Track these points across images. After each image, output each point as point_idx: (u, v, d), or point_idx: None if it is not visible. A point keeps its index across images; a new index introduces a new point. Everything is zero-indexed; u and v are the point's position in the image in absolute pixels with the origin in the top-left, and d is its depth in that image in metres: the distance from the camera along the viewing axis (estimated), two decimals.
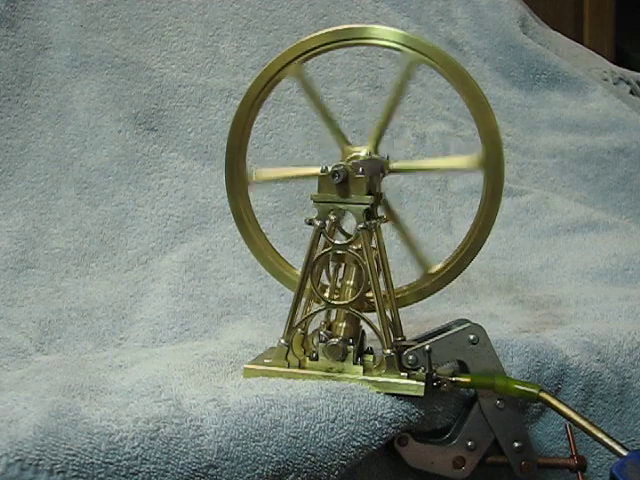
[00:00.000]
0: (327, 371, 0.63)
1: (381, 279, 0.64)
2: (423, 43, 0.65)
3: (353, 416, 0.59)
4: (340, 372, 0.63)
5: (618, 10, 2.09)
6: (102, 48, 1.01)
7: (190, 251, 0.92)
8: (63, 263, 0.88)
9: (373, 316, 0.64)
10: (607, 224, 1.08)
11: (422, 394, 0.61)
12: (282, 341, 0.64)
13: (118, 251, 0.91)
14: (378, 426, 0.59)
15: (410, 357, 0.62)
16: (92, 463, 0.50)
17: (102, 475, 0.50)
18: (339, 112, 1.09)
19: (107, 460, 0.50)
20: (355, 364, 0.63)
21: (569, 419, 0.62)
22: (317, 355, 0.63)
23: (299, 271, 0.65)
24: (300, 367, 0.64)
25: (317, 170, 0.64)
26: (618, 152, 1.21)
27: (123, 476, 0.51)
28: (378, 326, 0.63)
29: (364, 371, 0.62)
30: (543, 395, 0.62)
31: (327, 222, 0.63)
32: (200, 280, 0.89)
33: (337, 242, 0.63)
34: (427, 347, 0.62)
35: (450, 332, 0.63)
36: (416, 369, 0.62)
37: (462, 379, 0.63)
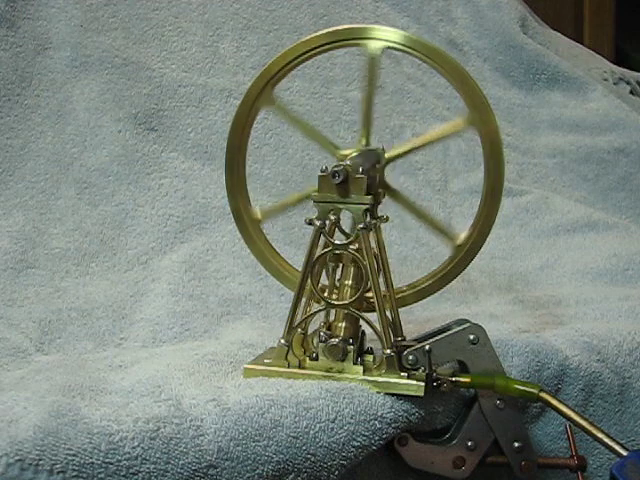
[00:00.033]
0: (327, 371, 0.63)
1: (381, 279, 0.64)
2: (423, 43, 0.65)
3: (353, 416, 0.59)
4: (340, 372, 0.63)
5: (618, 10, 2.09)
6: (102, 48, 1.01)
7: (190, 251, 0.92)
8: (63, 263, 0.88)
9: (373, 316, 0.64)
10: (607, 224, 1.08)
11: (422, 394, 0.61)
12: (282, 341, 0.64)
13: (118, 251, 0.91)
14: (378, 426, 0.59)
15: (410, 357, 0.62)
16: (92, 463, 0.50)
17: (102, 475, 0.50)
18: (339, 112, 1.09)
19: (107, 460, 0.50)
20: (355, 364, 0.63)
21: (569, 419, 0.62)
22: (317, 355, 0.63)
23: (299, 271, 0.65)
24: (300, 367, 0.63)
25: (313, 189, 0.64)
26: (618, 152, 1.21)
27: (123, 476, 0.51)
28: (378, 326, 0.63)
29: (364, 371, 0.62)
30: (543, 395, 0.62)
31: (327, 222, 0.63)
32: (200, 280, 0.89)
33: (337, 242, 0.63)
34: (427, 347, 0.62)
35: (450, 332, 0.63)
36: (416, 369, 0.62)
37: (462, 379, 0.63)
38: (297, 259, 0.67)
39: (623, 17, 2.09)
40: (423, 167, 1.11)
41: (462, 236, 0.66)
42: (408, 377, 0.62)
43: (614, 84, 1.41)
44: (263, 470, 0.55)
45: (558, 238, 1.06)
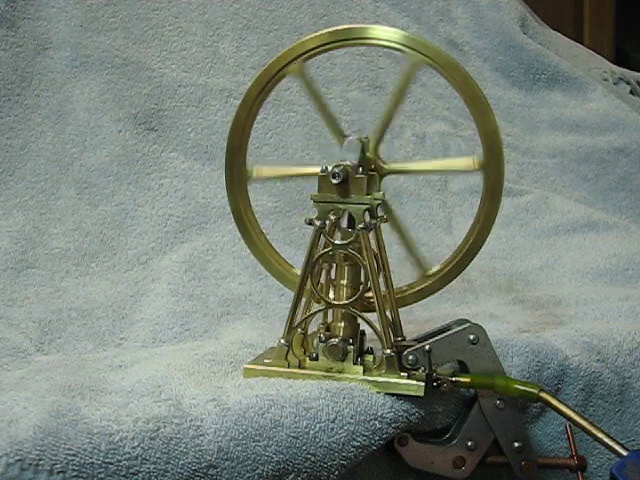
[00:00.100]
0: (327, 371, 0.63)
1: (381, 279, 0.64)
2: (423, 43, 0.65)
3: (353, 416, 0.59)
4: (340, 372, 0.63)
5: (618, 10, 2.09)
6: (102, 48, 1.01)
7: (190, 251, 0.92)
8: (63, 263, 0.88)
9: (373, 316, 0.64)
10: (607, 224, 1.08)
11: (422, 394, 0.61)
12: (282, 341, 0.64)
13: (118, 251, 0.91)
14: (378, 426, 0.59)
15: (410, 357, 0.62)
16: (92, 463, 0.50)
17: (102, 475, 0.50)
18: (339, 112, 1.09)
19: (107, 460, 0.50)
20: (355, 364, 0.63)
21: (569, 419, 0.62)
22: (317, 355, 0.63)
23: (299, 271, 0.65)
24: (300, 367, 0.63)
25: (316, 169, 0.64)
26: (618, 152, 1.21)
27: (123, 476, 0.51)
28: (378, 326, 0.63)
29: (364, 371, 0.62)
30: (543, 395, 0.62)
31: (327, 222, 0.63)
32: (200, 280, 0.89)
33: (337, 242, 0.63)
34: (427, 347, 0.62)
35: (450, 332, 0.63)
36: (416, 369, 0.62)
37: (462, 379, 0.63)
38: (297, 259, 0.67)
39: (623, 17, 2.10)
40: None
41: (435, 267, 0.67)
42: (408, 377, 0.62)
43: (614, 84, 1.41)
44: (263, 470, 0.55)
45: (558, 238, 1.06)
